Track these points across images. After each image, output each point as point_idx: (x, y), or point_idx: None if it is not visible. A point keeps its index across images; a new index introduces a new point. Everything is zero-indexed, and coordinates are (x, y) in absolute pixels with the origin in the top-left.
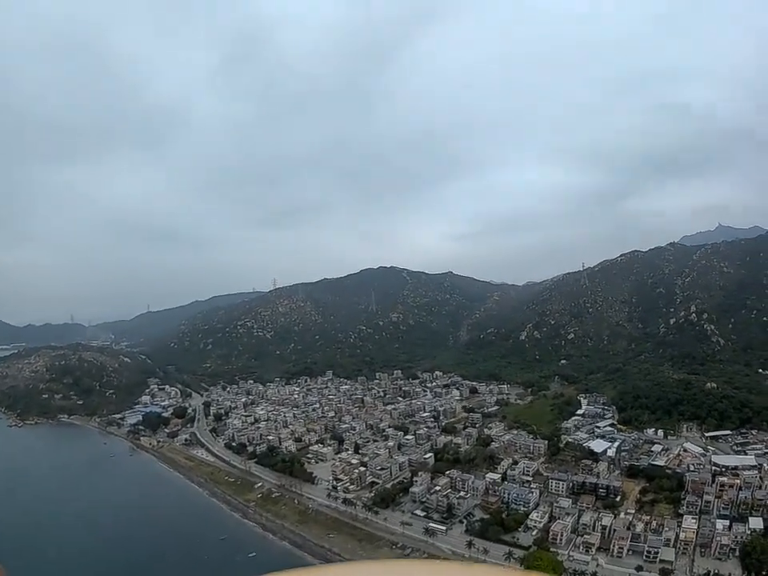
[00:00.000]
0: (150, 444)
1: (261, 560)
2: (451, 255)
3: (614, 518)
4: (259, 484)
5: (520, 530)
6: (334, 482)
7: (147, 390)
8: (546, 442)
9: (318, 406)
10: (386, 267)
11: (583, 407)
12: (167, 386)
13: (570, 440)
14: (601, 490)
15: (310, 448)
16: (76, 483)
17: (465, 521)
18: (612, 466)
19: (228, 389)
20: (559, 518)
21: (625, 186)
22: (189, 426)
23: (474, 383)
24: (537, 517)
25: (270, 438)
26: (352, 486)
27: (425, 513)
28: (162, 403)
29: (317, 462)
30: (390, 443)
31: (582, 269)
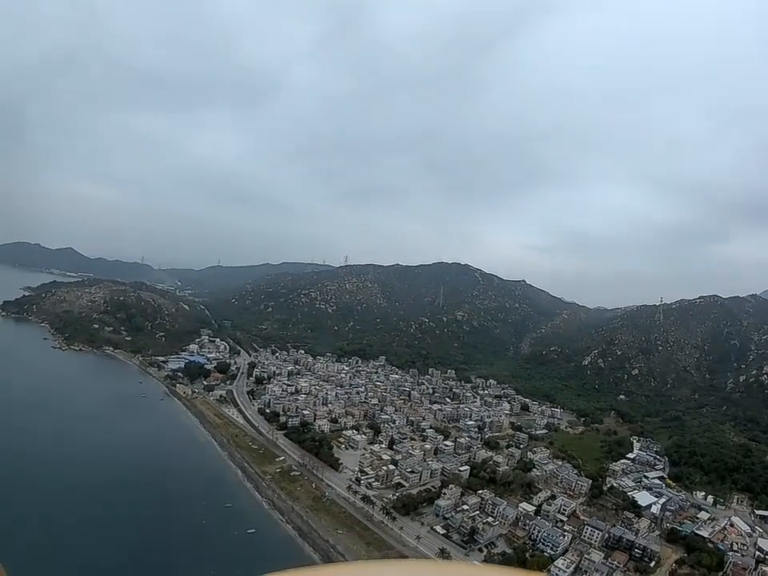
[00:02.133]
0: (184, 393)
1: (258, 540)
2: (526, 264)
3: None
4: (281, 458)
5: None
6: (359, 474)
7: (197, 340)
8: (590, 481)
9: (362, 390)
10: (459, 264)
11: (635, 451)
12: (218, 340)
13: (614, 484)
14: (636, 551)
15: (344, 432)
16: (96, 414)
17: (485, 549)
18: (653, 524)
19: (277, 354)
20: (586, 573)
21: (713, 226)
22: (228, 382)
23: (526, 400)
24: (562, 565)
25: (306, 412)
26: (376, 483)
27: (445, 531)
28: (209, 355)
29: (347, 449)
30: (428, 446)
31: (658, 303)
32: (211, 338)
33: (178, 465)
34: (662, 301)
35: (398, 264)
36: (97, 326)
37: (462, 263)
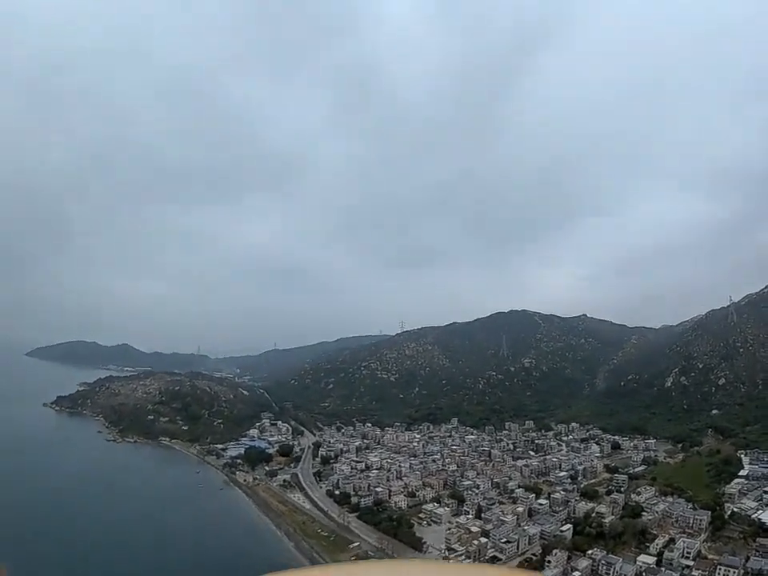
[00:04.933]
0: (245, 480)
1: None
2: (583, 297)
3: None
4: (355, 544)
5: None
6: (446, 553)
7: (258, 424)
8: (709, 513)
9: (438, 456)
10: (516, 311)
11: (746, 467)
12: (279, 422)
13: (735, 510)
14: None
15: (424, 506)
16: (148, 508)
17: None
18: None
19: (343, 430)
20: None
21: (755, 211)
22: (292, 465)
23: (615, 437)
24: None
25: (379, 489)
26: (467, 561)
27: None
28: (270, 439)
29: (429, 525)
30: (519, 508)
31: (728, 304)
32: (272, 421)
33: (237, 560)
34: (731, 300)
35: (455, 322)
36: (152, 417)
37: (519, 309)
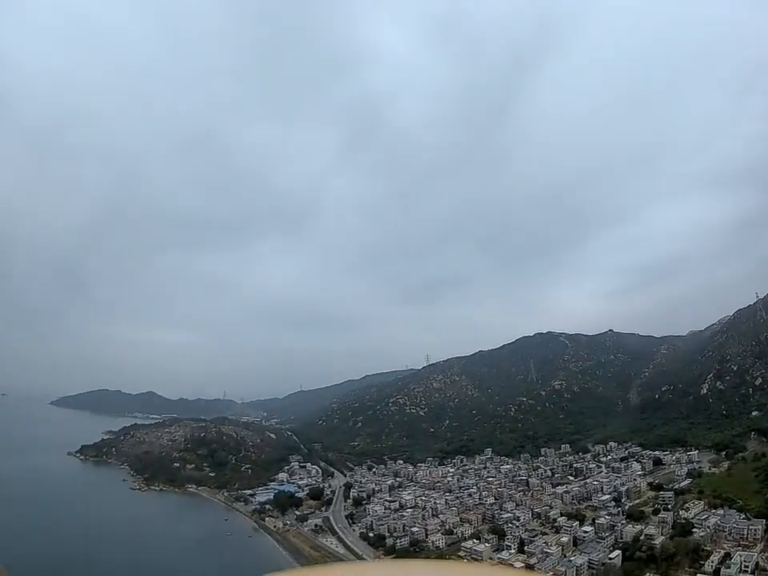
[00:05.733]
0: (275, 526)
1: None
2: (608, 312)
3: None
4: None
5: None
6: None
7: (287, 468)
8: (763, 521)
9: (474, 490)
10: (542, 333)
11: None
12: (309, 464)
13: None
14: None
15: (463, 544)
16: (176, 555)
17: None
18: None
19: (374, 469)
20: None
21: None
22: (324, 509)
23: (656, 452)
24: None
25: (415, 529)
26: None
27: None
28: (300, 482)
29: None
30: (564, 538)
31: (755, 301)
32: (301, 464)
33: None
34: (757, 296)
35: (480, 350)
36: (178, 465)
37: (545, 331)
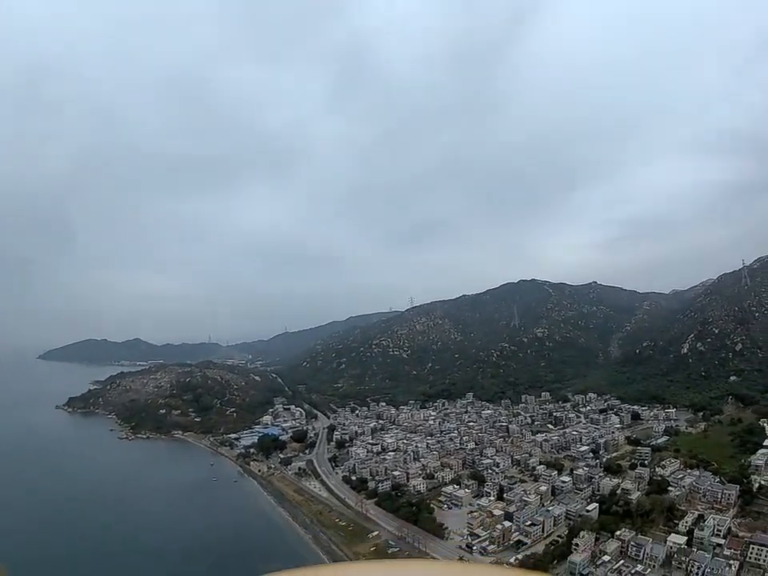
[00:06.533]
0: (259, 470)
1: None
2: (593, 264)
3: None
4: (375, 533)
5: None
6: (469, 539)
7: (271, 410)
8: (737, 487)
9: (455, 434)
10: (526, 280)
11: None
12: (293, 407)
13: (763, 482)
14: None
15: (443, 489)
16: (162, 503)
17: None
18: None
19: (357, 411)
20: None
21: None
22: (307, 452)
23: (634, 407)
24: None
25: (396, 473)
26: (492, 546)
27: None
28: (284, 425)
29: (449, 508)
30: (542, 487)
31: (741, 267)
32: (285, 406)
33: (253, 556)
34: (744, 263)
35: (464, 295)
36: (164, 411)
37: (529, 279)
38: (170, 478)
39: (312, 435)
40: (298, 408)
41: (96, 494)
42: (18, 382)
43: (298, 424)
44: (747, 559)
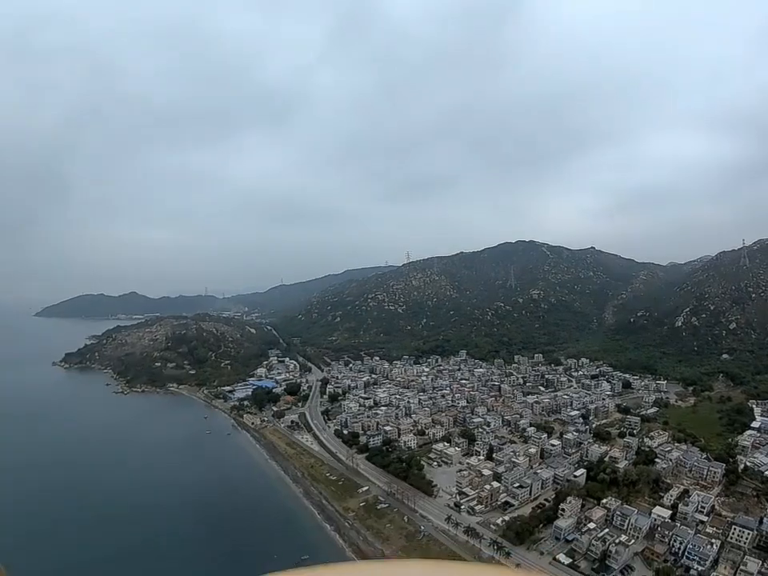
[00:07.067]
0: (253, 423)
1: None
2: (592, 230)
3: None
4: (365, 488)
5: None
6: (457, 498)
7: (265, 363)
8: (723, 465)
9: (447, 391)
10: (524, 241)
11: (757, 419)
12: (287, 359)
13: (748, 464)
14: None
15: (434, 446)
16: (150, 462)
17: None
18: None
19: (351, 365)
20: None
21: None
22: (300, 405)
23: (626, 375)
24: None
25: (388, 428)
26: (479, 506)
27: (570, 559)
28: (278, 377)
29: (439, 466)
30: (532, 449)
31: (741, 246)
32: (280, 359)
33: (244, 511)
34: (744, 243)
35: (461, 252)
36: (159, 365)
37: (527, 240)
38: (164, 433)
39: (305, 388)
40: (293, 361)
41: (92, 455)
42: (14, 340)
43: (291, 377)
44: (728, 539)
